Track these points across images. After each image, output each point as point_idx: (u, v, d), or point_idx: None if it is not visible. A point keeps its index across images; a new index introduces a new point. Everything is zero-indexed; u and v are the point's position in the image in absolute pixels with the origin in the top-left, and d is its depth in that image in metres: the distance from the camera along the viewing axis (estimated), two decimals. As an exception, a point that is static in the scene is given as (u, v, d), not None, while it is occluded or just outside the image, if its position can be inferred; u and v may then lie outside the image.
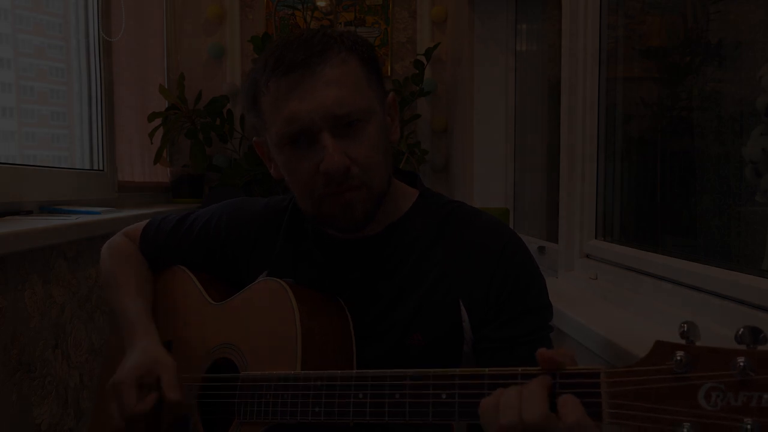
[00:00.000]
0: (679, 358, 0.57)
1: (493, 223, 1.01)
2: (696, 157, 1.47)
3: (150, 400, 0.94)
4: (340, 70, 0.90)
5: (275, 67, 0.90)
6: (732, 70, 1.38)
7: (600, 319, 1.26)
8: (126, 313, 1.09)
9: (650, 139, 1.69)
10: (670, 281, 1.25)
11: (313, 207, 0.96)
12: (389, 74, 2.97)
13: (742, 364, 0.54)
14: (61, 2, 2.06)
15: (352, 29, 2.94)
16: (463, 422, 0.77)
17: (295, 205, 1.06)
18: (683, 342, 0.58)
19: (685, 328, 0.57)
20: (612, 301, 1.40)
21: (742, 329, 0.54)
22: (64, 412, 1.55)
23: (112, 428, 0.95)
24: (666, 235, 1.60)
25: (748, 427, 0.53)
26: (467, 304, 0.94)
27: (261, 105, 0.94)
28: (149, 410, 0.94)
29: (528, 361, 0.72)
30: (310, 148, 0.90)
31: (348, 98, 0.89)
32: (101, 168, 2.21)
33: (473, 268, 0.95)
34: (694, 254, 1.30)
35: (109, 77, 2.23)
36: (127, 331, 1.06)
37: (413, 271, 0.97)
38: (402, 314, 0.95)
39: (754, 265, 1.17)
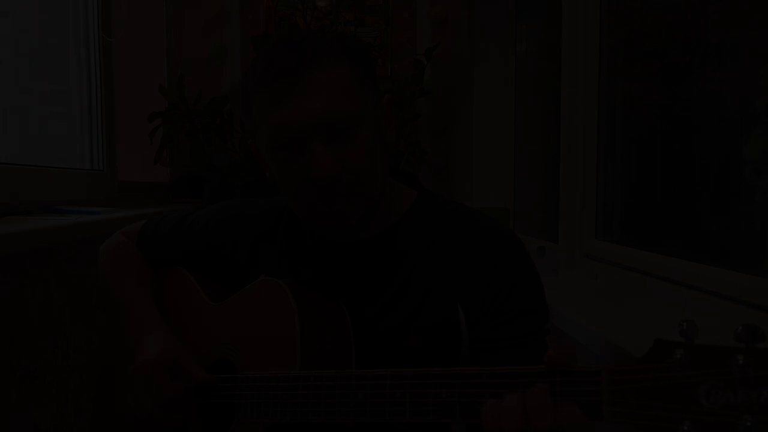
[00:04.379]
0: (678, 356, 0.57)
1: (492, 225, 1.01)
2: (696, 157, 1.47)
3: (179, 385, 0.95)
4: (329, 77, 0.89)
5: (265, 74, 0.90)
6: (732, 70, 1.38)
7: (600, 319, 1.26)
8: (131, 306, 1.09)
9: (650, 139, 1.68)
10: (670, 281, 1.25)
11: (305, 213, 0.96)
12: (389, 74, 2.96)
13: (741, 362, 0.54)
14: (61, 2, 2.06)
15: (352, 29, 2.94)
16: (463, 422, 0.77)
17: None
18: (683, 340, 0.58)
19: (685, 327, 0.58)
20: (612, 301, 1.40)
21: (740, 327, 0.55)
22: (64, 412, 1.55)
23: (141, 415, 0.95)
24: (666, 235, 1.60)
25: (748, 424, 0.53)
26: (465, 305, 0.94)
27: (253, 111, 0.94)
28: (181, 394, 0.94)
29: (525, 363, 0.72)
30: (300, 155, 0.90)
31: (338, 105, 0.88)
32: (101, 168, 2.21)
33: (471, 270, 0.95)
34: (694, 254, 1.30)
35: (109, 77, 2.23)
36: (134, 324, 1.06)
37: (411, 273, 0.97)
38: (400, 315, 0.95)
39: (754, 265, 1.17)
